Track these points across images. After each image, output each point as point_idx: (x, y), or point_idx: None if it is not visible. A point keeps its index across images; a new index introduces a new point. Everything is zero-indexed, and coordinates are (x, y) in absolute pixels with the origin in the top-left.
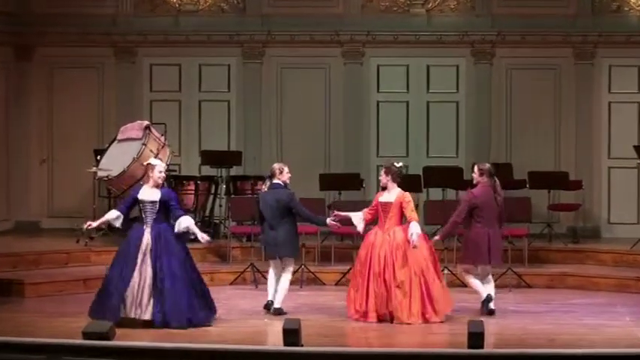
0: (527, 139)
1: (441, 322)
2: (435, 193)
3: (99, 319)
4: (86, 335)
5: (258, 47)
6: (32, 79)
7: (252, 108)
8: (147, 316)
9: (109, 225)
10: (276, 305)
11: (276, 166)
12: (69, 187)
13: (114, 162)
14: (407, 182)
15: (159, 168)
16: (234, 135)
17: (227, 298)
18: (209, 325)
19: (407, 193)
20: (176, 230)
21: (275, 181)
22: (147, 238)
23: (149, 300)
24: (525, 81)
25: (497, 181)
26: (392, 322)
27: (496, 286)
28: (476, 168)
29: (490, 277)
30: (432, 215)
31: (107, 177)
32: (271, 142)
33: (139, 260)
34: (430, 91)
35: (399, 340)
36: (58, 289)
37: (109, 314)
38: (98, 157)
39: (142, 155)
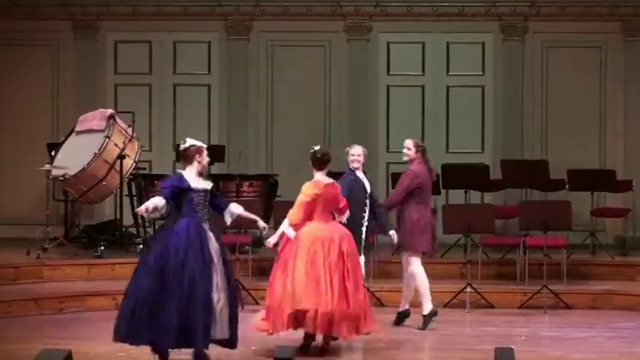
0: (567, 132)
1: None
2: (456, 196)
3: (181, 347)
4: None
5: (245, 21)
6: None
7: (237, 93)
8: (226, 335)
9: (64, 233)
10: None
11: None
12: (17, 188)
13: (71, 158)
14: None
15: (205, 150)
16: (216, 126)
17: None
18: None
19: (309, 184)
20: (229, 220)
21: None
22: (213, 239)
23: (227, 318)
24: (564, 61)
25: (429, 158)
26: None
27: (529, 307)
28: (411, 143)
29: None
30: (451, 222)
31: (63, 176)
32: (260, 134)
33: (213, 270)
34: (450, 73)
35: None
36: (4, 310)
37: (200, 338)
38: (52, 153)
39: (104, 150)
